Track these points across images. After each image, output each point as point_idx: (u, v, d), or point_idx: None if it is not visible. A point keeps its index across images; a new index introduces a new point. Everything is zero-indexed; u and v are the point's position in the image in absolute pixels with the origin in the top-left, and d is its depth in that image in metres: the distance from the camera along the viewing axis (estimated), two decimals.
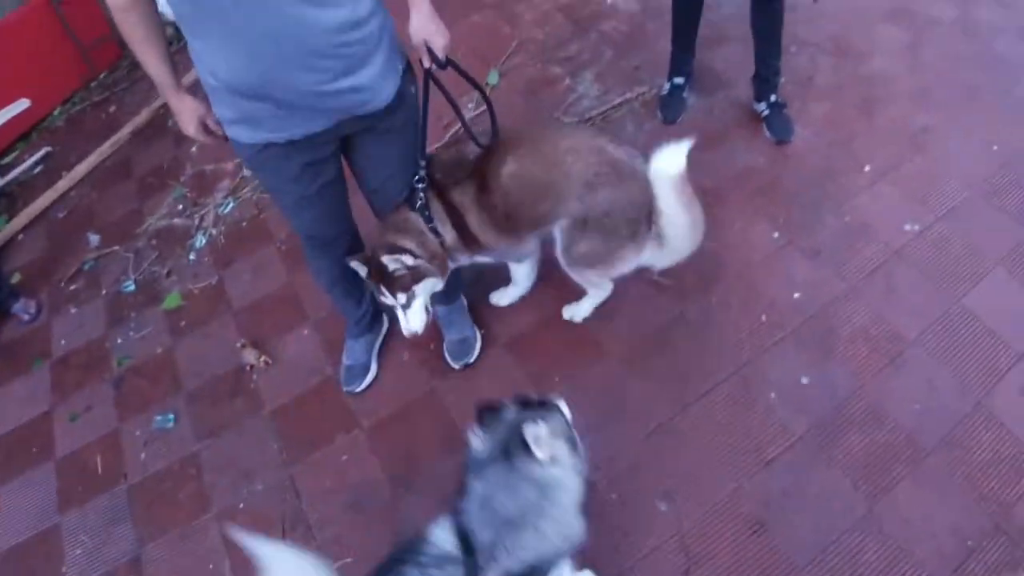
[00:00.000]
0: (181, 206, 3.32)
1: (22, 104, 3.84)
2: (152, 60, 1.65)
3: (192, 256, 3.09)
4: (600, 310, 2.39)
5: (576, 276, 2.18)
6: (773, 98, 2.81)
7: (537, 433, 1.34)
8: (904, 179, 2.61)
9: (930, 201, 2.53)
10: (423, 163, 1.90)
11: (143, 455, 2.42)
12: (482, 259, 2.16)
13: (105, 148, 3.70)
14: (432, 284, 1.98)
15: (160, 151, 3.67)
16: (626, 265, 2.10)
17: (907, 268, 2.36)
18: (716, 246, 2.50)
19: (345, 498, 2.15)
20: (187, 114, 1.76)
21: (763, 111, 2.84)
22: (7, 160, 3.97)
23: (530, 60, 3.43)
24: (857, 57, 3.11)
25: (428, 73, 1.77)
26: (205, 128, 1.78)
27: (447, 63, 1.76)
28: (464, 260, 2.12)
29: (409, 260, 1.89)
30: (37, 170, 3.90)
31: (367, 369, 2.41)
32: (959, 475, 1.91)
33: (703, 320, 2.34)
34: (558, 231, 2.03)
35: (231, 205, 3.23)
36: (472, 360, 2.37)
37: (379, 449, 2.24)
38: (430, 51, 1.72)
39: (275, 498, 2.20)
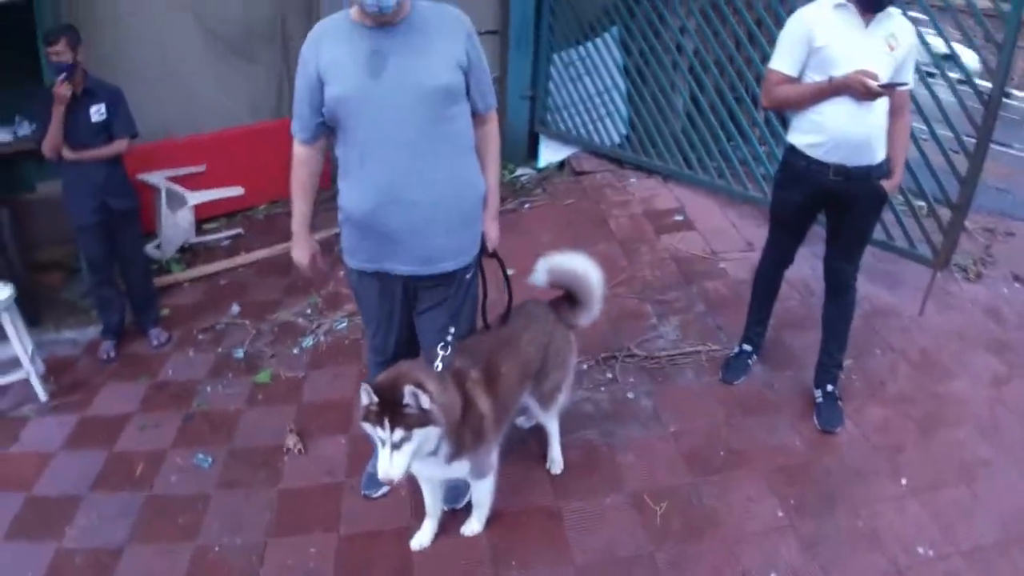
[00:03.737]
0: (309, 311, 3.95)
1: (236, 190, 4.82)
2: (302, 201, 2.33)
3: (296, 351, 3.63)
4: (586, 524, 2.49)
5: (552, 412, 2.58)
6: (829, 388, 2.89)
7: None
8: (938, 503, 2.51)
9: (957, 533, 2.41)
10: (451, 330, 2.22)
11: (173, 478, 2.84)
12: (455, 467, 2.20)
13: (280, 247, 4.49)
14: (430, 436, 1.97)
15: None
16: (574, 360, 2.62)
17: None
18: (718, 504, 2.54)
19: None
20: (304, 246, 2.39)
21: (818, 398, 2.91)
22: (208, 227, 4.92)
23: (631, 293, 3.75)
24: (939, 375, 3.11)
25: (492, 254, 2.35)
26: (313, 262, 2.40)
27: (493, 254, 2.36)
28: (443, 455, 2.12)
29: (426, 402, 1.92)
30: (225, 243, 4.81)
31: None
32: None
33: (670, 568, 2.32)
34: (528, 396, 2.48)
35: (345, 323, 3.78)
36: (459, 507, 2.53)
37: (343, 554, 2.43)
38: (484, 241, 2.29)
39: (243, 555, 2.45)
